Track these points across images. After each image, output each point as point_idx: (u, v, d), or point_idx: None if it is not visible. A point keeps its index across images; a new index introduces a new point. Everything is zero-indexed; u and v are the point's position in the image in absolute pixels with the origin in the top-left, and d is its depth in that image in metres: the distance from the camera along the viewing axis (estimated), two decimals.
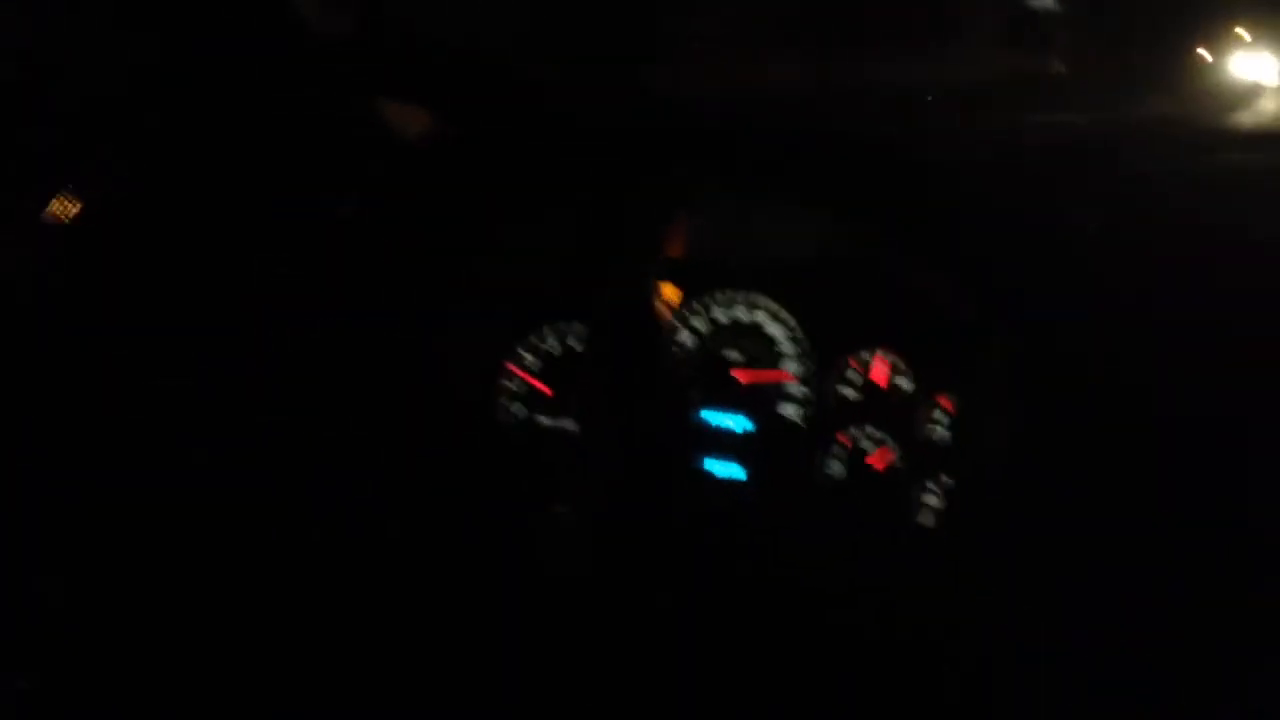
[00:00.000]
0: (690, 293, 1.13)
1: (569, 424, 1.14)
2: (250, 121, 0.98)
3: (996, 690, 0.96)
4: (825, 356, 1.10)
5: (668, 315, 1.09)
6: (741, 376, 1.11)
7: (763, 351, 1.11)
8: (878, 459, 1.08)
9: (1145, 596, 0.92)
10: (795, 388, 1.10)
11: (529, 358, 1.16)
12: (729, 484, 1.10)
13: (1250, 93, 1.02)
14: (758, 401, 1.11)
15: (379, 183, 1.04)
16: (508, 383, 1.17)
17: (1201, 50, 1.01)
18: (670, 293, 1.12)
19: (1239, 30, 1.02)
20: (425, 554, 1.08)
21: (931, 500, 1.07)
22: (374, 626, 1.04)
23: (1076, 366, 0.99)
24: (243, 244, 1.02)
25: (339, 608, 1.04)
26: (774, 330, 1.11)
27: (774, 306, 1.11)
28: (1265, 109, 1.04)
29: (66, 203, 0.91)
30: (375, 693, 0.98)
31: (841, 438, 1.09)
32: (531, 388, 1.15)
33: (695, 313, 1.13)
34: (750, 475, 1.10)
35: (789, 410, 1.11)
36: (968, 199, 1.03)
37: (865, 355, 1.09)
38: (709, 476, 1.11)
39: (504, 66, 0.97)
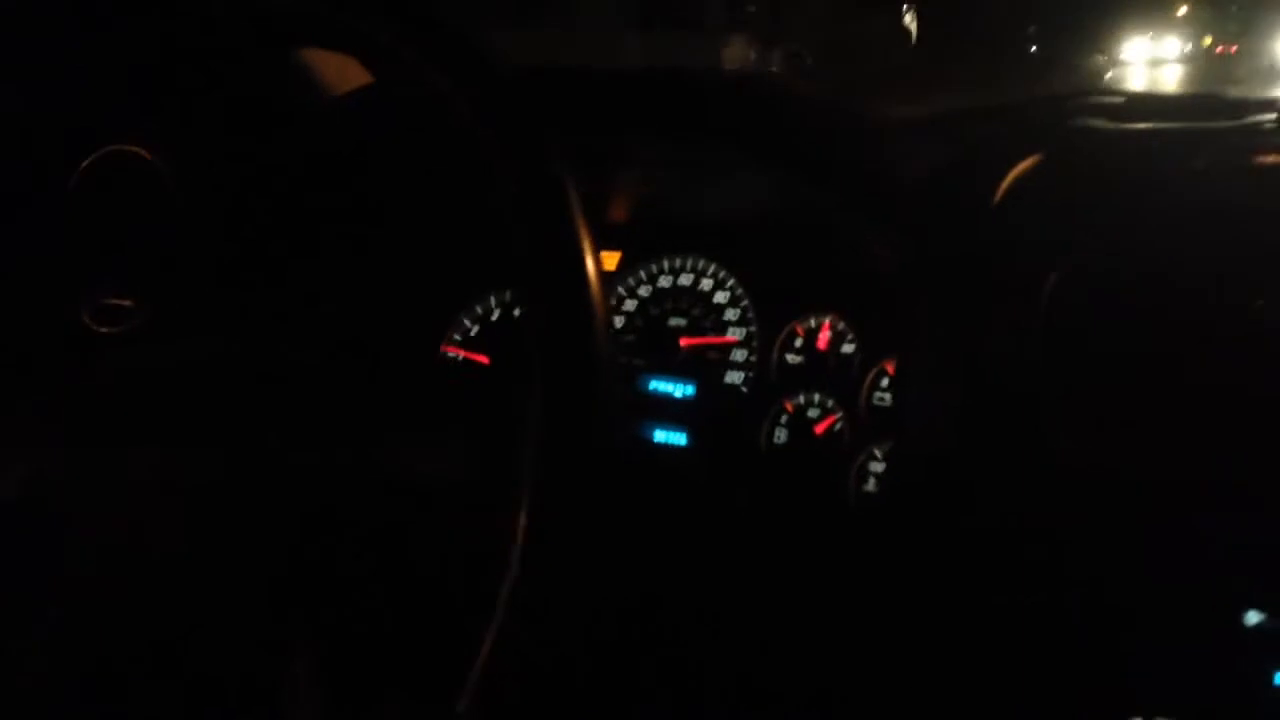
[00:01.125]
0: (631, 258, 1.12)
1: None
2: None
3: (939, 659, 0.92)
4: (770, 322, 1.08)
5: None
6: (684, 341, 1.09)
7: (706, 317, 1.10)
8: (822, 425, 1.06)
9: (1089, 564, 0.89)
10: (739, 353, 1.08)
11: (469, 325, 1.14)
12: (671, 449, 1.07)
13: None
14: (701, 367, 1.09)
15: (302, 142, 1.03)
16: (449, 353, 1.14)
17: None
18: (609, 258, 1.12)
19: None
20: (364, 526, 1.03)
21: (875, 467, 1.04)
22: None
23: (1015, 331, 0.97)
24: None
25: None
26: (718, 296, 1.10)
27: (718, 271, 1.10)
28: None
29: None
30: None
31: (786, 404, 1.07)
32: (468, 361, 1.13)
33: (637, 278, 1.11)
34: (692, 441, 1.07)
35: (732, 376, 1.09)
36: (904, 159, 1.04)
37: (810, 321, 1.08)
38: (651, 442, 1.07)
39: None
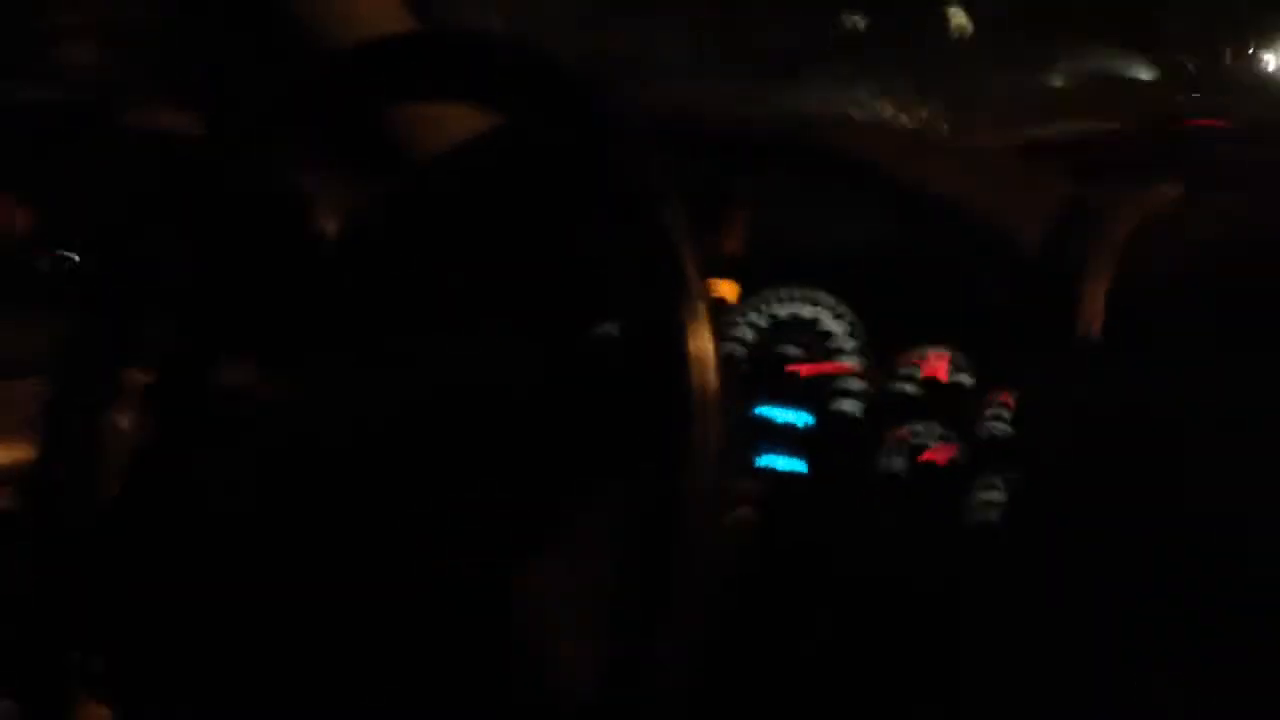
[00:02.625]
0: (748, 289, 1.14)
1: None
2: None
3: (1051, 685, 0.93)
4: (884, 352, 1.10)
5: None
6: (801, 370, 1.12)
7: (821, 347, 1.12)
8: (938, 454, 1.07)
9: (1211, 594, 0.89)
10: (853, 382, 1.11)
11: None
12: (790, 477, 1.10)
13: None
14: (816, 397, 1.11)
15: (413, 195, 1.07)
16: None
17: None
18: (728, 289, 1.14)
19: None
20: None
21: (994, 496, 1.05)
22: None
23: (1133, 371, 0.98)
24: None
25: None
26: (832, 326, 1.12)
27: (832, 302, 1.12)
28: None
29: None
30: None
31: (901, 433, 1.09)
32: None
33: (753, 309, 1.14)
34: (811, 468, 1.10)
35: (847, 405, 1.11)
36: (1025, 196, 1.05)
37: (924, 350, 1.09)
38: (770, 471, 1.10)
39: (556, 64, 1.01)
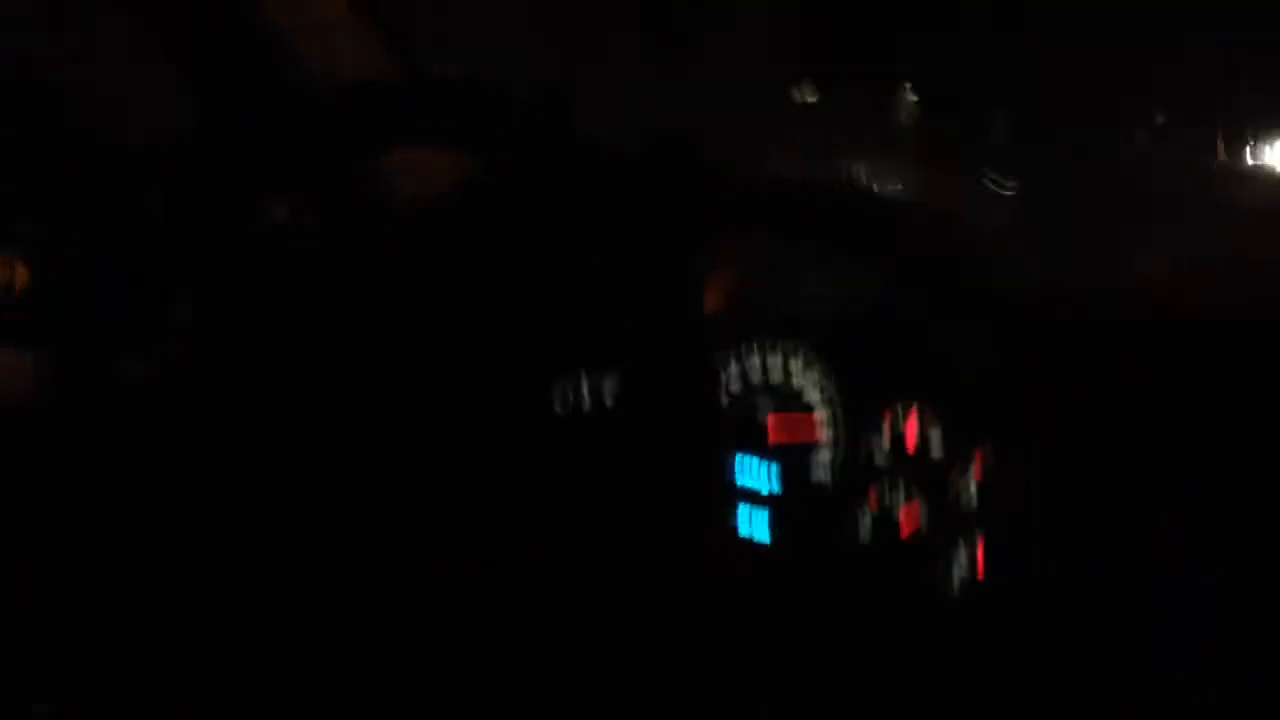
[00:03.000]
0: (723, 344, 1.14)
1: None
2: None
3: None
4: (858, 412, 1.09)
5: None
6: (772, 431, 1.11)
7: (795, 406, 1.11)
8: (907, 520, 1.06)
9: (1180, 657, 0.89)
10: (825, 446, 1.10)
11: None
12: (754, 546, 1.09)
13: None
14: (787, 459, 1.10)
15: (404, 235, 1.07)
16: None
17: None
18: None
19: None
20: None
21: (962, 563, 1.05)
22: None
23: (1106, 432, 0.98)
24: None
25: None
26: (807, 386, 1.11)
27: (805, 361, 1.11)
28: None
29: None
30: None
31: (872, 496, 1.08)
32: None
33: (729, 367, 1.13)
34: (776, 534, 1.09)
35: (819, 470, 1.10)
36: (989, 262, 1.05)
37: (898, 412, 1.08)
38: (736, 535, 1.09)
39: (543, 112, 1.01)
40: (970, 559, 1.04)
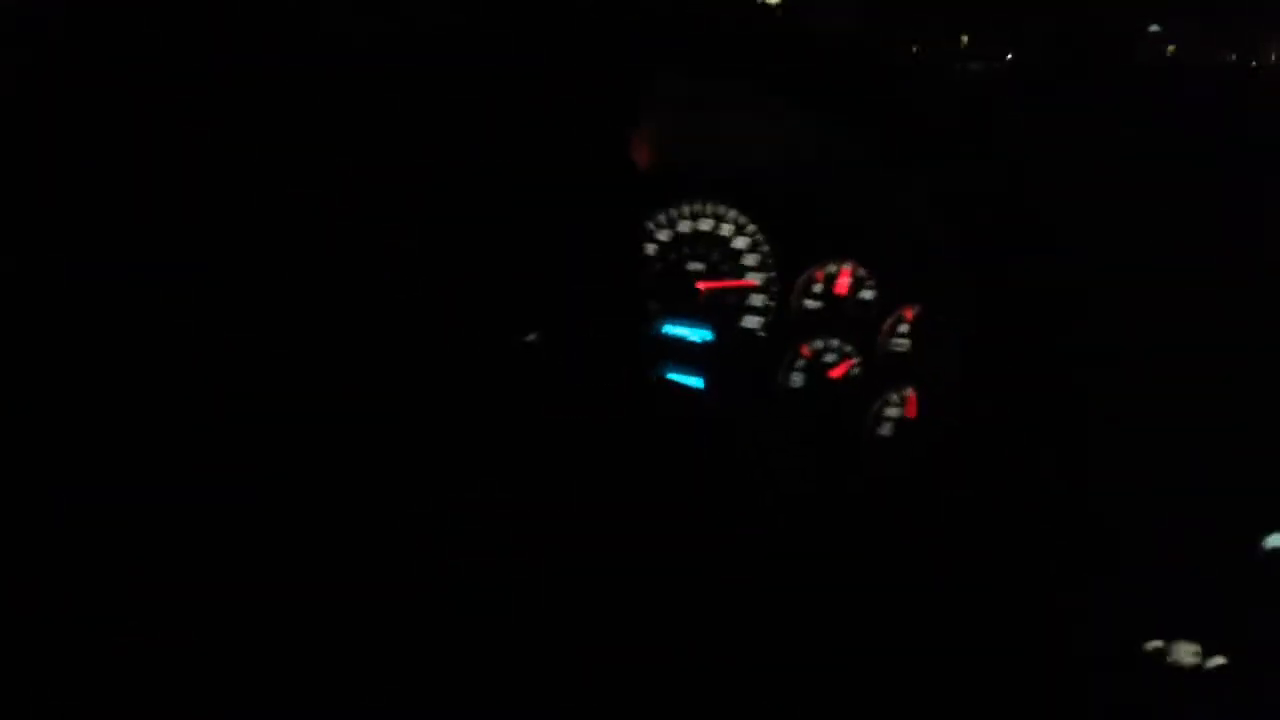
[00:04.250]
0: (652, 203, 1.13)
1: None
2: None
3: (951, 597, 0.92)
4: (789, 267, 1.09)
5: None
6: (702, 285, 1.10)
7: (726, 262, 1.11)
8: (839, 370, 1.07)
9: (1111, 498, 0.90)
10: (757, 298, 1.09)
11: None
12: (687, 391, 1.08)
13: None
14: (719, 312, 1.10)
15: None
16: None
17: None
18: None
19: None
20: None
21: (891, 411, 1.05)
22: None
23: (1031, 287, 0.99)
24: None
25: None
26: (738, 241, 1.11)
27: (738, 217, 1.11)
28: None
29: None
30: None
31: (803, 348, 1.08)
32: None
33: (657, 223, 1.12)
34: (709, 384, 1.08)
35: (750, 321, 1.09)
36: (935, 114, 1.06)
37: (830, 267, 1.09)
38: (668, 385, 1.08)
39: None
40: (899, 405, 1.04)
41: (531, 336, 1.11)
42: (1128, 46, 1.13)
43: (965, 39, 1.21)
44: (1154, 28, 1.22)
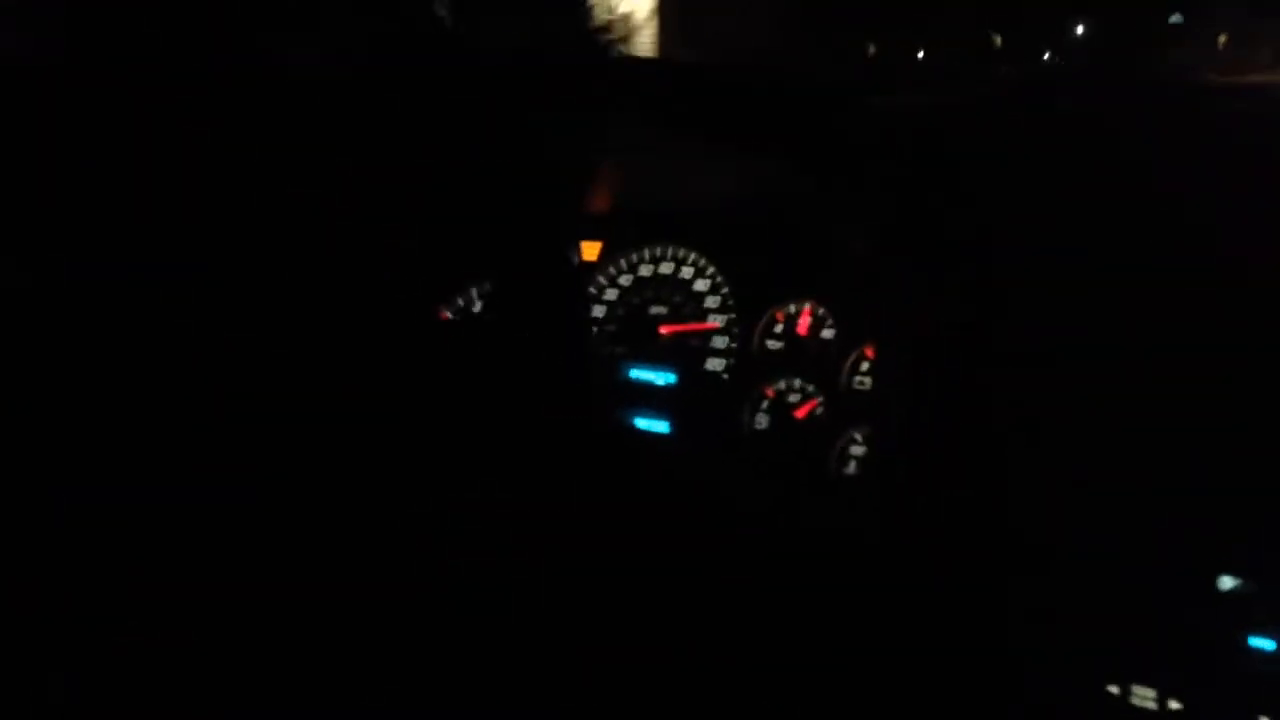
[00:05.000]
0: (612, 247, 1.13)
1: None
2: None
3: (916, 632, 0.92)
4: (749, 308, 1.09)
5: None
6: (664, 329, 1.10)
7: (687, 305, 1.11)
8: (803, 410, 1.07)
9: (1064, 535, 0.90)
10: (719, 340, 1.10)
11: (453, 317, 1.15)
12: (652, 437, 1.08)
13: None
14: (682, 355, 1.10)
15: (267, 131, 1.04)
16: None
17: None
18: (590, 249, 1.13)
19: None
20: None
21: (856, 450, 1.05)
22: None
23: (984, 319, 0.99)
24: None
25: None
26: (698, 284, 1.11)
27: (698, 259, 1.11)
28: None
29: None
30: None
31: (766, 389, 1.08)
32: None
33: (618, 267, 1.13)
34: (674, 428, 1.08)
35: (713, 363, 1.10)
36: (881, 149, 1.05)
37: (790, 307, 1.09)
38: (632, 430, 1.08)
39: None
40: (864, 444, 1.04)
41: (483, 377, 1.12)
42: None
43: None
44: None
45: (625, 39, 1.05)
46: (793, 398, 1.07)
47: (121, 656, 0.92)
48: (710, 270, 1.11)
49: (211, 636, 0.92)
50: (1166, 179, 0.97)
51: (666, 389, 1.09)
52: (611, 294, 1.12)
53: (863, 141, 1.02)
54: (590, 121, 1.06)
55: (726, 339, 1.09)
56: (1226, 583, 0.81)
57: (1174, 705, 0.81)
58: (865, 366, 1.06)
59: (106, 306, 0.96)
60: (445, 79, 1.05)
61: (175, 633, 0.91)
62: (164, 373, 0.98)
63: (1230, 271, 0.92)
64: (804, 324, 1.08)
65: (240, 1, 0.99)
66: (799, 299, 1.09)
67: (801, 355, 1.08)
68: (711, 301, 1.10)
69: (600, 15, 1.08)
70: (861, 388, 1.06)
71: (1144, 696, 0.82)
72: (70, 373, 0.94)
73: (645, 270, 1.12)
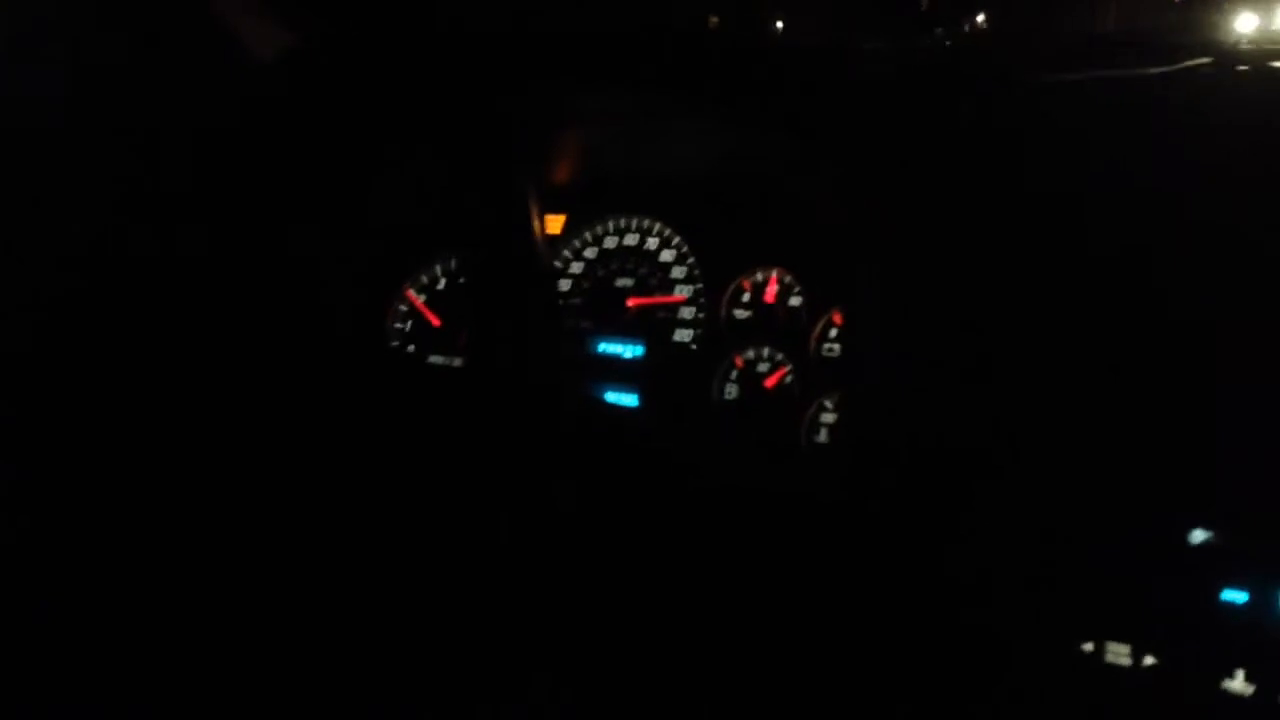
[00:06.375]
0: (577, 220, 1.11)
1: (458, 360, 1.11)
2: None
3: (891, 597, 0.92)
4: (717, 278, 1.08)
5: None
6: (631, 302, 1.09)
7: (653, 276, 1.10)
8: (772, 378, 1.05)
9: (1034, 494, 0.89)
10: (687, 310, 1.08)
11: (419, 294, 1.13)
12: (621, 411, 1.07)
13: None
14: (650, 327, 1.09)
15: (235, 105, 1.02)
16: (397, 323, 1.13)
17: None
18: (554, 222, 1.11)
19: None
20: (310, 495, 1.03)
21: (826, 418, 1.04)
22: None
23: (950, 279, 0.98)
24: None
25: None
26: (664, 254, 1.10)
27: (663, 230, 1.10)
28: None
29: None
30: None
31: (736, 359, 1.06)
32: (420, 323, 1.12)
33: (583, 240, 1.11)
34: (644, 400, 1.07)
35: (681, 334, 1.08)
36: (847, 109, 1.04)
37: (757, 275, 1.08)
38: (601, 404, 1.07)
39: None
40: (834, 411, 1.03)
41: (456, 362, 1.11)
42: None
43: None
44: None
45: None
46: (762, 367, 1.06)
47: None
48: (676, 240, 1.09)
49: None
50: (1129, 152, 0.96)
51: (635, 362, 1.07)
52: (577, 267, 1.11)
53: (830, 101, 1.00)
54: (551, 89, 1.04)
55: (694, 309, 1.08)
56: (1198, 536, 0.80)
57: (1149, 661, 0.80)
58: (834, 333, 1.05)
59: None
60: (403, 48, 1.04)
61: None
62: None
63: (1185, 237, 0.92)
64: (771, 292, 1.07)
65: None
66: (766, 266, 1.07)
67: (770, 323, 1.06)
68: (678, 272, 1.09)
69: None
70: (831, 355, 1.05)
71: (1118, 653, 0.81)
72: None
73: (610, 242, 1.11)
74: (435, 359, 1.12)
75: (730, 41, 1.01)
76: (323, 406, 1.07)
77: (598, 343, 1.08)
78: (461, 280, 1.11)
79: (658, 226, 1.09)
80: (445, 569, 0.98)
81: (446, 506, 1.03)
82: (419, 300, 1.13)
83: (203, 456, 1.03)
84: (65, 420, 0.99)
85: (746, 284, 1.07)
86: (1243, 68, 0.99)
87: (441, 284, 1.13)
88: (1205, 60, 1.00)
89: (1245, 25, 1.05)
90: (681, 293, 1.08)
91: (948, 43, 1.09)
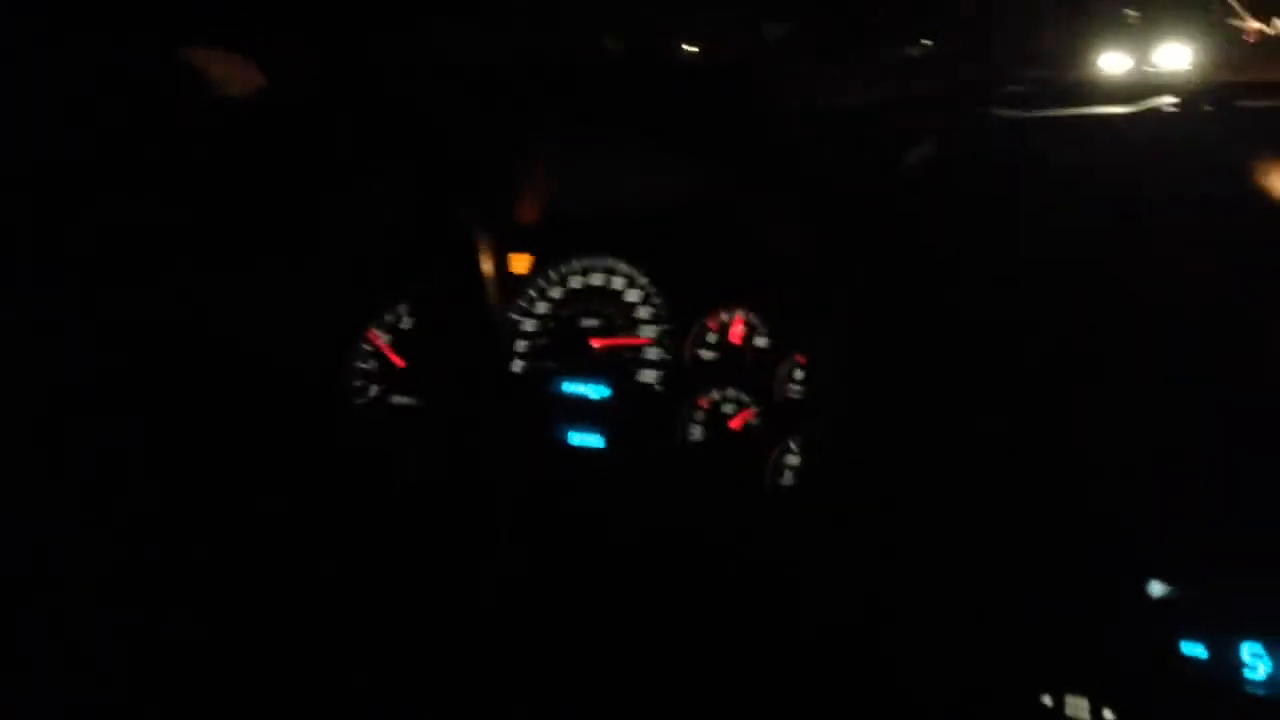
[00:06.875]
0: (543, 260, 1.11)
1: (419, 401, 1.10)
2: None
3: (855, 643, 0.91)
4: (682, 319, 1.08)
5: (502, 285, 1.07)
6: (596, 342, 1.08)
7: (620, 317, 1.09)
8: (738, 420, 1.05)
9: (995, 542, 0.88)
10: (652, 351, 1.08)
11: (382, 334, 1.13)
12: (587, 453, 1.06)
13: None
14: (615, 367, 1.08)
15: (202, 146, 1.02)
16: (361, 363, 1.13)
17: None
18: (520, 262, 1.11)
19: None
20: (274, 537, 1.02)
21: (791, 460, 1.03)
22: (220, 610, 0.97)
23: (915, 320, 0.98)
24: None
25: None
26: (630, 295, 1.09)
27: (629, 270, 1.09)
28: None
29: None
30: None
31: (701, 400, 1.06)
32: (384, 365, 1.11)
33: (548, 280, 1.11)
34: (609, 442, 1.06)
35: (647, 375, 1.08)
36: (808, 147, 1.04)
37: (723, 316, 1.07)
38: (566, 447, 1.06)
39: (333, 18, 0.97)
40: (800, 453, 1.03)
41: (418, 401, 1.10)
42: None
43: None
44: None
45: None
46: (727, 408, 1.05)
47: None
48: (642, 281, 1.09)
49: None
50: (1105, 184, 0.96)
51: (600, 403, 1.07)
52: (543, 307, 1.10)
53: (795, 140, 1.00)
54: (516, 125, 1.04)
55: (659, 350, 1.07)
56: (1157, 589, 0.79)
57: (1108, 715, 0.80)
58: (800, 375, 1.04)
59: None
60: (368, 86, 1.04)
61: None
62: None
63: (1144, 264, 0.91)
64: (736, 332, 1.06)
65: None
66: (731, 307, 1.07)
67: (736, 364, 1.06)
68: (644, 312, 1.08)
69: None
70: (796, 396, 1.04)
71: (1077, 707, 0.81)
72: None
73: (576, 282, 1.10)
74: (399, 399, 1.11)
75: (693, 75, 1.01)
76: (283, 450, 1.06)
77: (563, 383, 1.08)
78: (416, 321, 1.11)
79: (623, 267, 1.09)
80: (403, 619, 0.98)
81: (402, 559, 1.03)
82: (382, 341, 1.12)
83: (165, 497, 1.02)
84: (30, 459, 0.99)
85: (712, 325, 1.07)
86: (1208, 108, 0.99)
87: (405, 324, 1.12)
88: (1170, 100, 1.00)
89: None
90: (647, 334, 1.08)
91: (907, 80, 1.08)
